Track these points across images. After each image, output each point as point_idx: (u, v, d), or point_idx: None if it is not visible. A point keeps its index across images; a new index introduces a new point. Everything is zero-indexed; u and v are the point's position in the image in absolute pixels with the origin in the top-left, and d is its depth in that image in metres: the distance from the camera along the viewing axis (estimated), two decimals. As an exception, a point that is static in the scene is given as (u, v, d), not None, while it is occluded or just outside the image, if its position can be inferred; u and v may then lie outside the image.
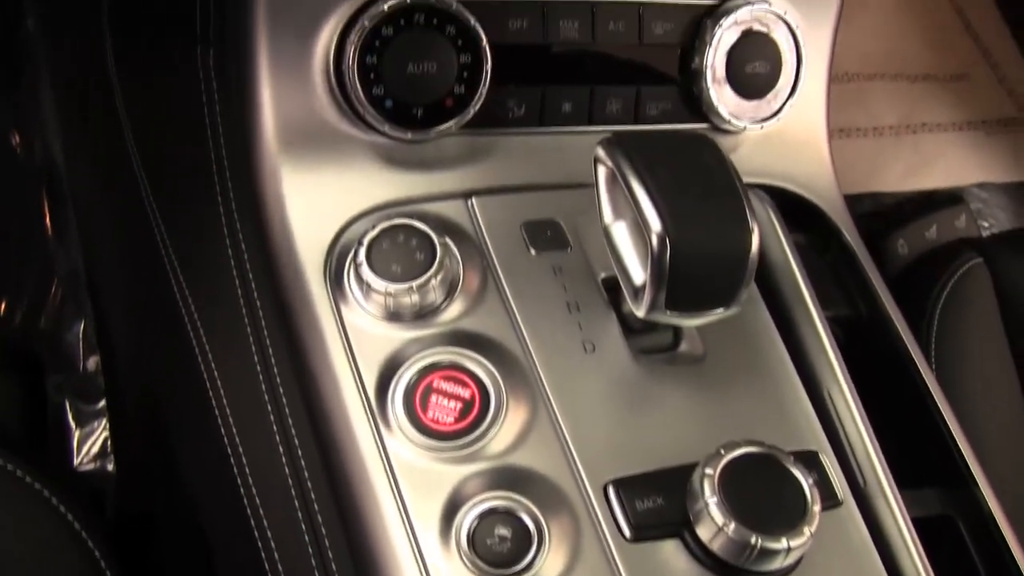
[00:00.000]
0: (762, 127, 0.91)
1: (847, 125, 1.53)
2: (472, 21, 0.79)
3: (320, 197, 0.80)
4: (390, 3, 0.78)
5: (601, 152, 0.74)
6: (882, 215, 1.45)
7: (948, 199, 1.49)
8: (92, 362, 1.27)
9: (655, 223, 0.69)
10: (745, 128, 0.90)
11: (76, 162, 1.24)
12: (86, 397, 1.26)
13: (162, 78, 0.94)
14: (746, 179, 0.74)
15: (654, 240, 0.69)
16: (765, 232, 0.86)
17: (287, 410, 0.79)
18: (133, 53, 0.99)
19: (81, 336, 1.28)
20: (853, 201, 1.03)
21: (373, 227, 0.76)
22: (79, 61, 1.16)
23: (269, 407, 0.80)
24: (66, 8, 1.19)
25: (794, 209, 0.95)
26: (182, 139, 0.91)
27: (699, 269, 0.70)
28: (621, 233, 0.76)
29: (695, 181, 0.72)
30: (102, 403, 1.26)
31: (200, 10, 0.84)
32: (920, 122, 1.60)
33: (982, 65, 1.68)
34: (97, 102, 1.07)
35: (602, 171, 0.76)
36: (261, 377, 0.80)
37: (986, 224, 1.54)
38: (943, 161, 1.57)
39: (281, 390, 0.79)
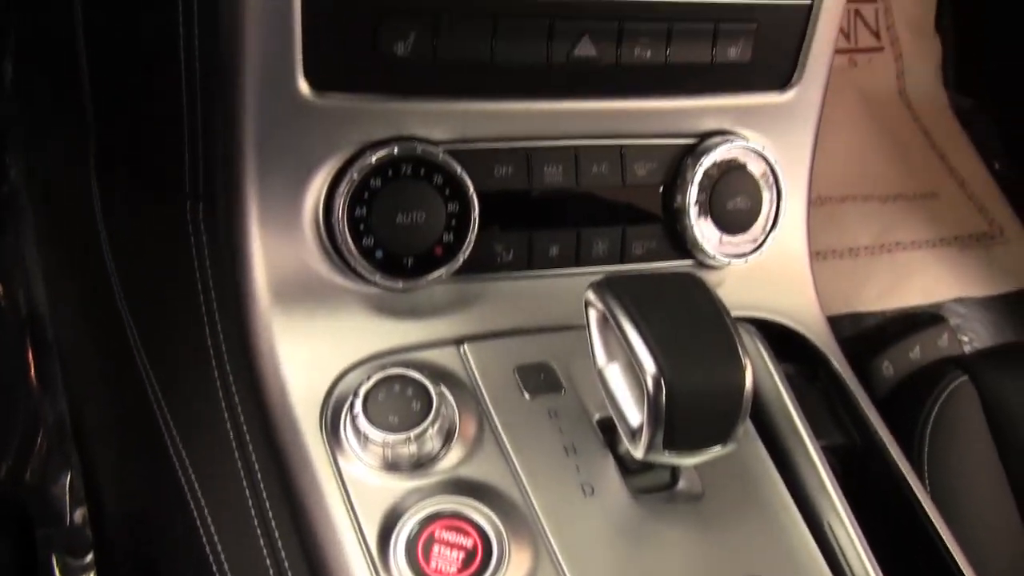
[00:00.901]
0: (746, 261, 0.92)
1: (823, 248, 1.55)
2: (459, 170, 0.81)
3: (313, 349, 0.80)
4: (378, 155, 0.79)
5: (592, 296, 0.75)
6: (865, 337, 1.46)
7: (929, 318, 1.51)
8: (79, 515, 1.25)
9: (649, 365, 0.70)
10: (730, 263, 0.91)
11: (61, 312, 1.23)
12: (74, 551, 1.24)
13: (151, 232, 0.95)
14: (734, 313, 0.75)
15: (649, 382, 0.69)
16: (756, 367, 0.87)
17: (286, 564, 0.78)
18: (121, 207, 1.00)
19: (68, 488, 1.26)
20: (834, 323, 1.04)
21: (368, 378, 0.76)
22: (65, 213, 1.17)
23: (268, 562, 0.79)
24: (52, 160, 1.21)
25: (780, 338, 0.96)
26: (172, 292, 0.91)
27: (695, 408, 0.71)
28: (615, 375, 0.76)
29: (686, 321, 0.73)
30: (90, 557, 1.23)
31: (188, 166, 0.85)
32: (894, 241, 1.62)
33: (950, 183, 1.72)
34: (84, 254, 1.07)
35: (593, 314, 0.77)
36: (259, 531, 0.79)
37: (966, 339, 1.56)
38: (919, 278, 1.59)
39: (280, 544, 0.78)
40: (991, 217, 1.71)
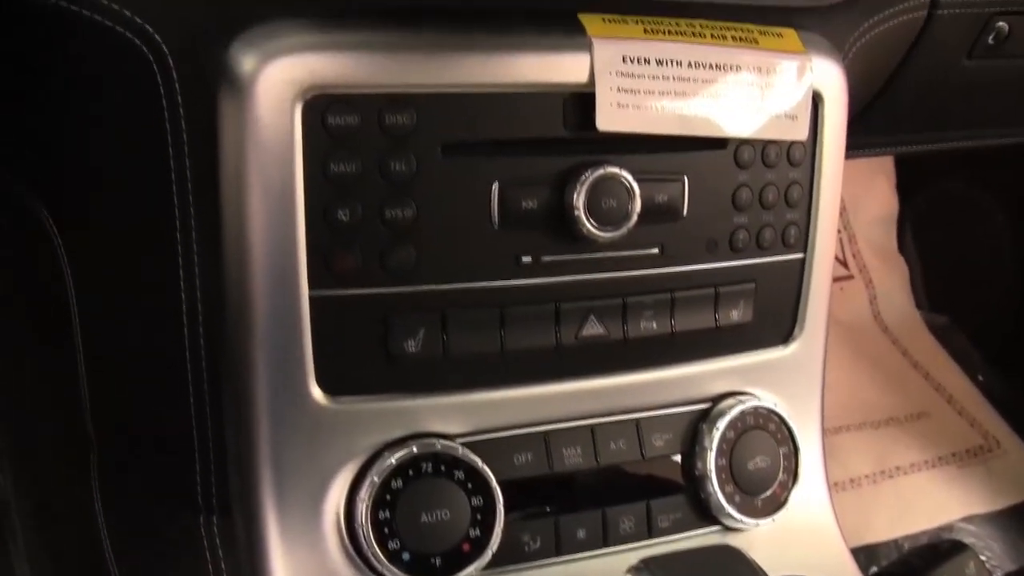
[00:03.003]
0: (773, 520, 0.91)
1: (826, 482, 1.54)
2: (480, 464, 0.80)
3: None
4: (397, 456, 0.78)
5: None
6: (891, 574, 1.43)
7: (951, 546, 1.48)
8: None
9: None
10: (757, 525, 0.90)
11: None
12: None
13: (163, 548, 0.92)
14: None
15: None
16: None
17: None
18: (128, 523, 0.97)
19: None
20: (850, 558, 1.02)
21: None
22: (63, 529, 1.13)
23: None
24: (45, 472, 1.18)
25: None
26: None
27: None
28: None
29: None
30: None
31: (201, 478, 0.83)
32: (894, 466, 1.62)
33: (939, 401, 1.74)
34: (88, 573, 1.03)
35: None
36: None
37: (983, 557, 1.53)
38: (925, 501, 1.58)
39: None
40: (984, 430, 1.71)
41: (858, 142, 1.13)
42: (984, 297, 1.79)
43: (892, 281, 1.85)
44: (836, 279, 1.82)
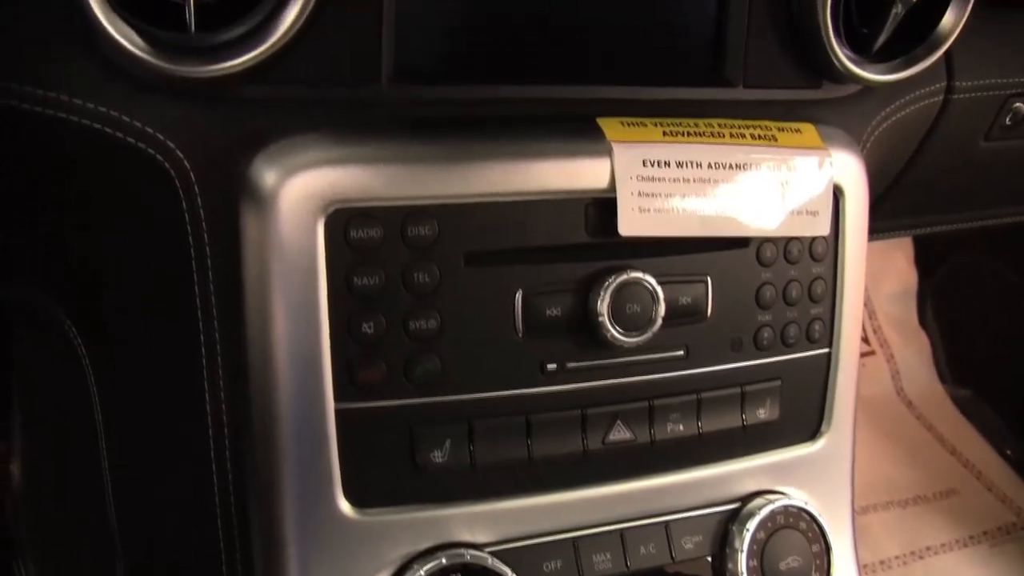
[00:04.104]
0: (807, 622, 0.89)
1: (855, 564, 1.51)
2: (509, 573, 0.79)
3: None
4: (426, 568, 0.77)
5: None
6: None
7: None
8: None
9: None
10: (793, 627, 0.88)
11: None
12: None
13: None
14: None
15: None
16: None
17: None
18: None
19: None
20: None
21: None
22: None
23: None
24: None
25: None
26: None
27: None
28: None
29: None
30: None
31: None
32: (924, 546, 1.59)
33: (967, 477, 1.71)
34: None
35: None
36: None
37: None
38: (957, 582, 1.56)
39: None
40: (1016, 507, 1.69)
41: (877, 226, 1.12)
42: (1008, 369, 1.77)
43: (914, 355, 1.84)
44: (858, 356, 1.81)
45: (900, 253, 1.86)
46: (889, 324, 1.84)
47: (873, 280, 1.84)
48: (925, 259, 1.88)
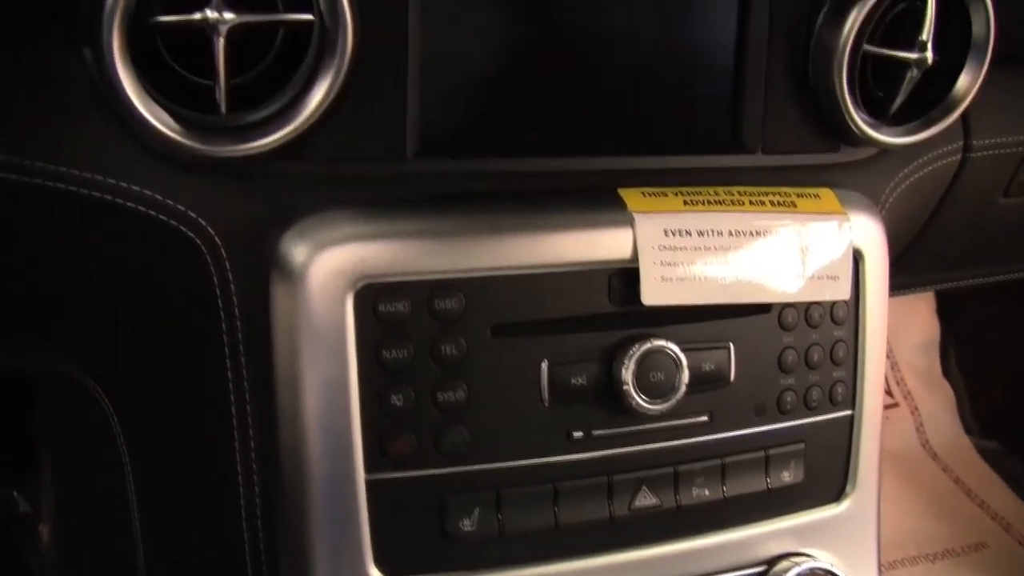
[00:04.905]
0: None
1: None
2: None
3: None
4: None
5: None
6: None
7: None
8: None
9: None
10: None
11: None
12: None
13: None
14: None
15: None
16: None
17: None
18: None
19: None
20: None
21: None
22: None
23: None
24: None
25: None
26: None
27: None
28: None
29: None
30: None
31: None
32: (954, 601, 1.58)
33: (996, 529, 1.70)
34: None
35: None
36: None
37: None
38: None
39: None
40: (1047, 559, 1.67)
41: (898, 282, 1.13)
42: (1034, 421, 1.77)
43: (938, 407, 1.83)
44: (882, 408, 1.81)
45: (922, 303, 1.86)
46: (912, 375, 1.84)
47: (895, 331, 1.84)
48: (948, 309, 1.88)
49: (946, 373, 1.87)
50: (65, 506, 1.21)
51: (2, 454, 1.34)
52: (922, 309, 1.87)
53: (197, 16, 0.68)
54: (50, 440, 1.21)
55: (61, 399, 1.07)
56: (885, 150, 0.93)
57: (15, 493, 1.37)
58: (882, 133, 0.89)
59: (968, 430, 1.84)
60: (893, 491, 1.69)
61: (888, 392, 1.82)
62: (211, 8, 0.68)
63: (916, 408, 1.83)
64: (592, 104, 0.83)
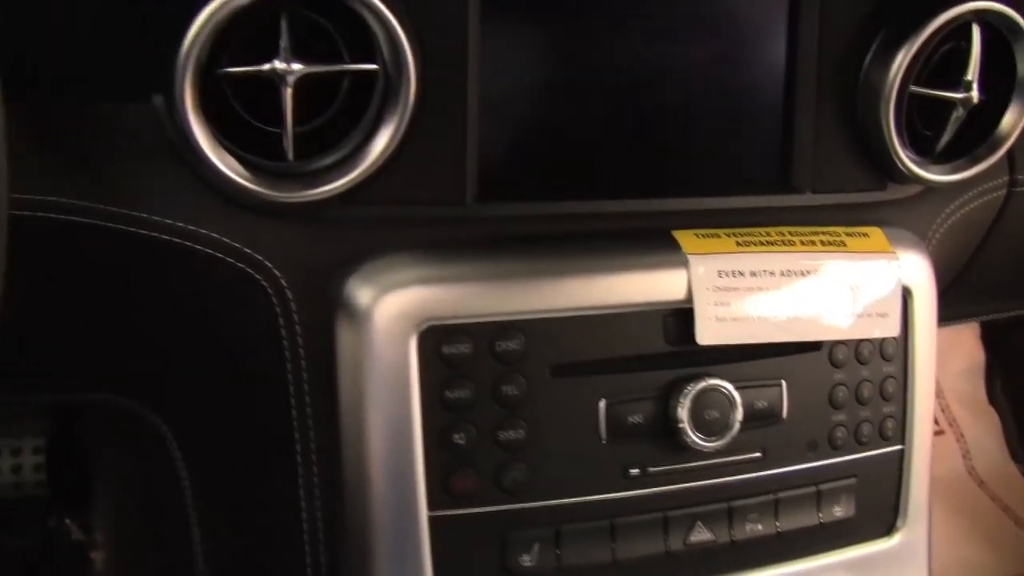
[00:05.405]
0: None
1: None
2: None
3: None
4: None
5: None
6: None
7: None
8: None
9: None
10: None
11: None
12: None
13: None
14: None
15: None
16: None
17: None
18: None
19: None
20: None
21: None
22: None
23: None
24: None
25: None
26: None
27: None
28: None
29: None
30: None
31: None
32: (1004, 630, 1.58)
33: (1045, 560, 1.70)
34: None
35: None
36: None
37: None
38: None
39: None
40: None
41: (944, 315, 1.14)
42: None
43: (984, 434, 1.83)
44: (927, 435, 1.80)
45: (967, 330, 1.86)
46: (958, 402, 1.83)
47: (940, 359, 1.82)
48: (993, 335, 1.87)
49: (992, 400, 1.86)
50: (120, 535, 1.23)
51: (55, 483, 1.37)
52: (967, 336, 1.86)
53: (266, 67, 0.71)
54: (104, 469, 1.23)
55: (117, 429, 1.10)
56: (931, 187, 0.94)
57: (67, 521, 1.39)
58: (929, 171, 0.91)
59: (1015, 457, 1.83)
60: (940, 519, 1.68)
61: (934, 420, 1.81)
62: (279, 59, 0.71)
63: (962, 435, 1.82)
64: (643, 145, 0.86)
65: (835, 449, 0.90)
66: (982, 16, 0.86)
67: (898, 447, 0.93)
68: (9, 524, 1.39)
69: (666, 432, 0.82)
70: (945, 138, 0.90)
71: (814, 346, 0.88)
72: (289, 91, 0.71)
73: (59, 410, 1.33)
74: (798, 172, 0.89)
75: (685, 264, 0.83)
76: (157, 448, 0.91)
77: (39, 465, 1.40)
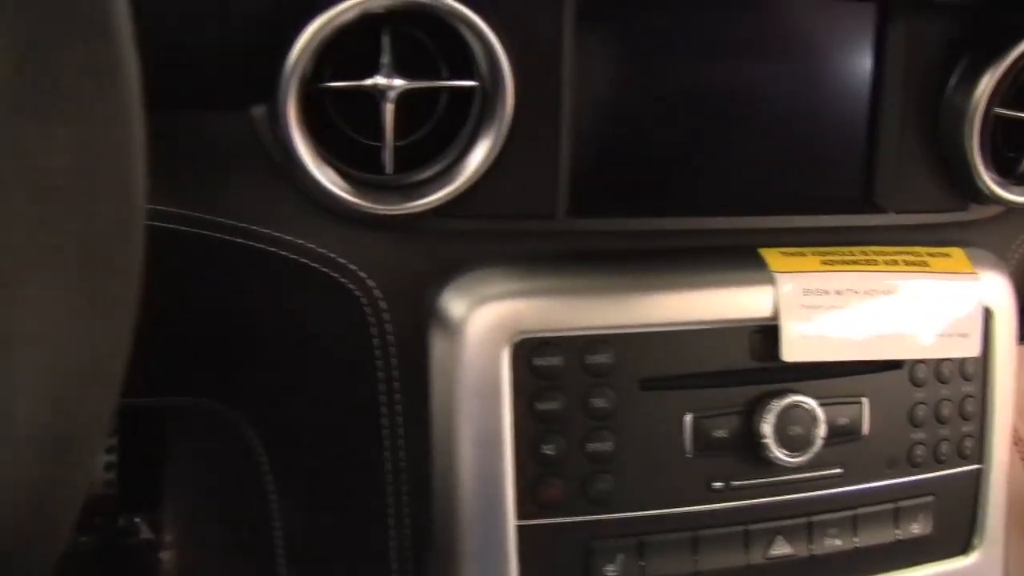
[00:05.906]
0: None
1: None
2: None
3: None
4: None
5: None
6: None
7: None
8: None
9: None
10: None
11: None
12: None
13: None
14: None
15: None
16: None
17: None
18: None
19: None
20: None
21: None
22: None
23: None
24: None
25: None
26: None
27: None
28: None
29: None
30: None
31: None
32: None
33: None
34: None
35: None
36: None
37: None
38: None
39: None
40: None
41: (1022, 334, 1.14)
42: None
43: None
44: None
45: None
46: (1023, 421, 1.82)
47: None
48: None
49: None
50: (191, 535, 1.25)
51: (127, 481, 1.39)
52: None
53: (368, 82, 0.73)
54: (177, 469, 1.25)
55: (195, 431, 1.12)
56: (1012, 208, 0.94)
57: (136, 519, 1.41)
58: (1011, 192, 0.91)
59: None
60: (1014, 539, 1.68)
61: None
62: (381, 75, 0.73)
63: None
64: (728, 162, 0.87)
65: (914, 467, 0.90)
66: None
67: (976, 466, 0.94)
68: (80, 523, 1.40)
69: (750, 447, 0.84)
70: None
71: (895, 364, 0.89)
72: (390, 106, 0.74)
73: (130, 409, 1.35)
74: (881, 191, 0.90)
75: (771, 282, 0.84)
76: (237, 452, 0.93)
77: (110, 464, 1.42)
